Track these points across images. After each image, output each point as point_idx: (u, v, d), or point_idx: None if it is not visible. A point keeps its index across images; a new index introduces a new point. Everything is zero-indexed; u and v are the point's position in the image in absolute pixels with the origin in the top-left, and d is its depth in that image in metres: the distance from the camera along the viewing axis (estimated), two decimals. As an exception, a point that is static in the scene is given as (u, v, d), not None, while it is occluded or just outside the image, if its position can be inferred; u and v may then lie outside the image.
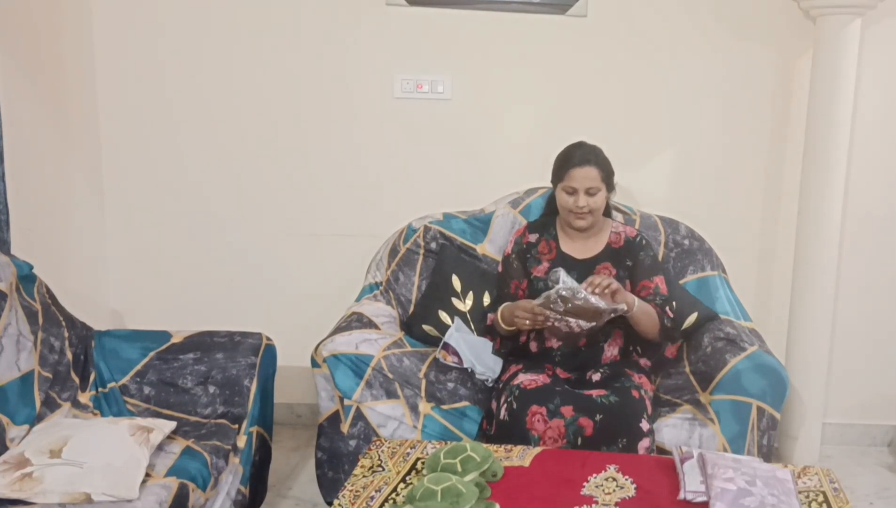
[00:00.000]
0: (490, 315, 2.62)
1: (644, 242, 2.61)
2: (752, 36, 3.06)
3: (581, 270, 2.55)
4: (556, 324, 2.36)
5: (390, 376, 2.46)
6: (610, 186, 2.56)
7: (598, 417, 2.24)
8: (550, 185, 2.66)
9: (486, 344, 2.67)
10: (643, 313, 2.44)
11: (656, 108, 3.14)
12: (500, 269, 2.73)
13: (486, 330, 2.68)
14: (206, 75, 3.16)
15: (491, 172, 3.17)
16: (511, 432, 2.27)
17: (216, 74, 3.16)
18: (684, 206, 3.11)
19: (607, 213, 2.67)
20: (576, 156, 2.52)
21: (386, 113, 3.16)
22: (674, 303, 2.61)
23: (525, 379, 2.37)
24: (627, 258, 2.57)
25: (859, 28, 2.80)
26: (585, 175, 2.49)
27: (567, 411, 2.25)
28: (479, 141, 3.18)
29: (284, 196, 3.24)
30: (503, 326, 2.54)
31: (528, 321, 2.39)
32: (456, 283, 2.82)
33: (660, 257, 2.79)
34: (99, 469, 1.96)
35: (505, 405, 2.32)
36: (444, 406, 2.47)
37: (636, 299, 2.43)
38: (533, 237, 2.65)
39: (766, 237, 3.22)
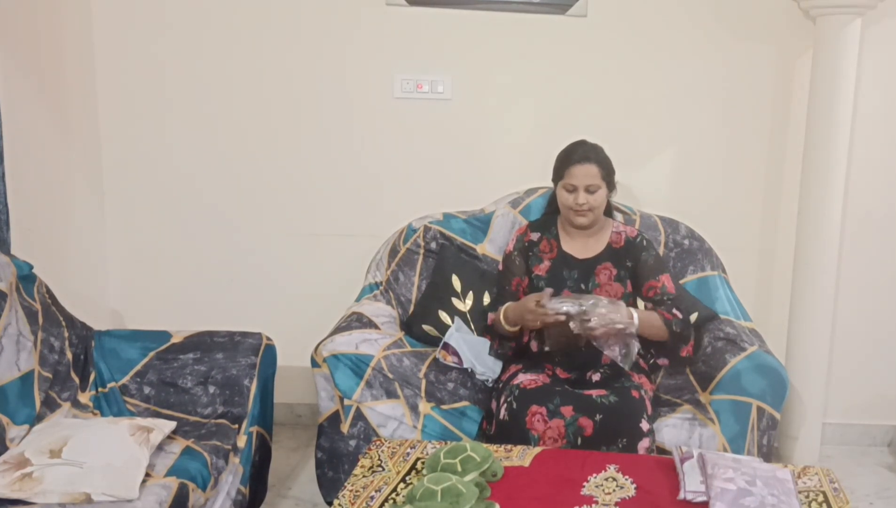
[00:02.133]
0: (491, 315, 2.62)
1: (645, 242, 2.61)
2: (752, 36, 3.06)
3: (581, 269, 2.56)
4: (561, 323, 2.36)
5: (390, 376, 2.46)
6: (611, 185, 2.56)
7: (598, 417, 2.24)
8: (551, 185, 2.66)
9: (486, 344, 2.67)
10: (648, 325, 2.44)
11: (656, 108, 3.14)
12: (500, 267, 2.72)
13: (486, 329, 2.68)
14: (206, 75, 3.16)
15: (491, 172, 3.17)
16: (511, 432, 2.27)
17: (216, 74, 3.16)
18: (684, 206, 3.10)
19: (609, 213, 2.67)
20: (576, 153, 2.52)
21: (386, 113, 3.16)
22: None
23: (525, 379, 2.37)
24: (628, 259, 2.57)
25: (859, 28, 2.79)
26: (586, 172, 2.49)
27: (567, 411, 2.25)
28: (479, 141, 3.18)
29: (284, 196, 3.24)
30: (506, 326, 2.53)
31: (536, 319, 2.37)
32: (456, 283, 2.82)
33: (660, 257, 2.79)
34: (99, 469, 1.96)
35: (505, 405, 2.32)
36: (444, 406, 2.47)
37: (636, 315, 2.41)
38: (535, 236, 2.65)
39: (766, 237, 3.22)
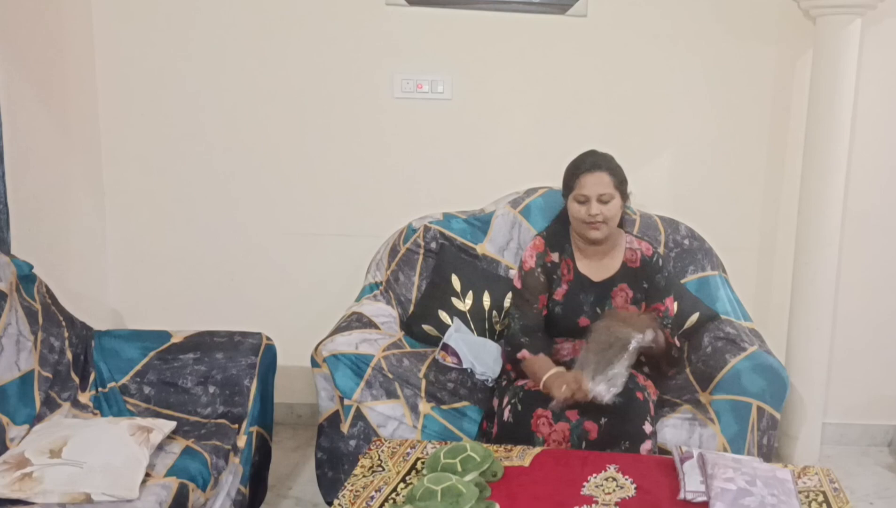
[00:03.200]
0: (525, 353, 2.39)
1: (661, 262, 2.50)
2: (752, 36, 3.06)
3: (598, 292, 2.46)
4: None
5: (390, 376, 2.46)
6: (624, 195, 2.40)
7: (602, 420, 2.23)
8: (551, 184, 2.65)
9: (485, 344, 2.67)
10: (659, 347, 2.43)
11: (656, 108, 3.14)
12: (518, 285, 2.49)
13: (510, 359, 2.50)
14: (206, 76, 3.16)
15: (491, 172, 3.17)
16: (516, 434, 2.26)
17: (216, 74, 3.16)
18: (684, 206, 3.11)
19: (621, 224, 2.52)
20: (586, 162, 2.39)
21: (386, 113, 3.16)
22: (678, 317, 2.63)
23: (529, 381, 2.37)
24: (644, 280, 2.46)
25: (859, 28, 2.80)
26: (597, 181, 2.35)
27: (572, 414, 2.24)
28: (479, 141, 3.18)
29: (284, 196, 3.24)
30: (539, 375, 2.32)
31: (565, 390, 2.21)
32: (456, 283, 2.82)
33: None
34: (99, 469, 1.96)
35: (509, 407, 2.31)
36: (444, 406, 2.47)
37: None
38: (555, 256, 2.48)
39: (766, 237, 3.22)
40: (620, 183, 2.39)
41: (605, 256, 2.48)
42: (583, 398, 2.19)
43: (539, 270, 2.47)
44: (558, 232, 2.54)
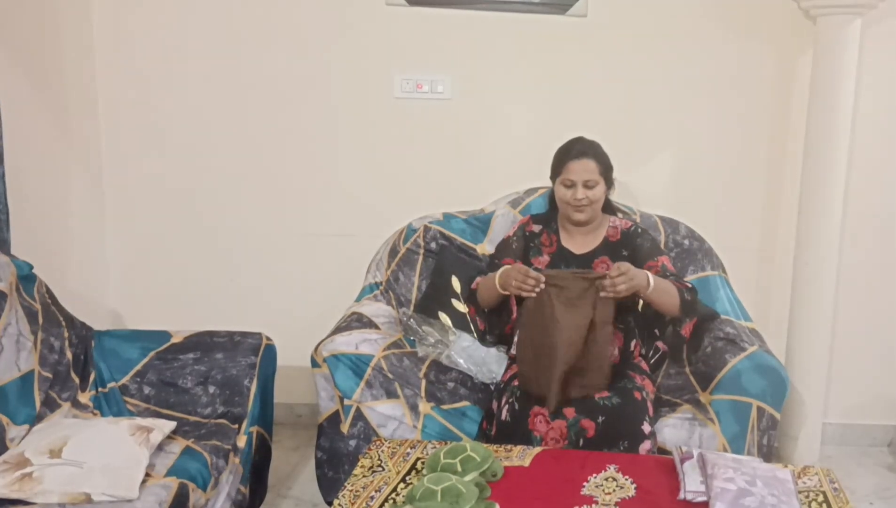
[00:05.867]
0: (478, 278, 2.60)
1: (640, 229, 2.60)
2: (752, 36, 3.06)
3: (579, 264, 2.56)
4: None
5: (390, 376, 2.46)
6: (609, 181, 2.56)
7: (600, 419, 2.24)
8: (550, 184, 2.66)
9: (489, 353, 2.66)
10: (661, 290, 2.37)
11: (656, 107, 3.14)
12: (493, 251, 2.71)
13: (469, 297, 2.64)
14: (206, 76, 3.16)
15: (491, 172, 3.17)
16: (513, 432, 2.27)
17: (215, 74, 3.16)
18: (684, 206, 3.10)
19: (609, 210, 2.67)
20: (574, 149, 2.52)
21: (386, 113, 3.16)
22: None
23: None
24: (624, 249, 2.56)
25: (859, 28, 2.80)
26: (583, 168, 2.49)
27: (569, 412, 2.25)
28: (479, 141, 3.18)
29: (284, 196, 3.24)
30: (498, 288, 2.44)
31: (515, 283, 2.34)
32: (456, 284, 2.81)
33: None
34: (99, 469, 1.96)
35: (507, 406, 2.32)
36: (444, 406, 2.47)
37: (651, 277, 2.35)
38: (536, 228, 2.65)
39: (766, 237, 3.22)
40: (605, 170, 2.54)
41: (588, 234, 2.61)
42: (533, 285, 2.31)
43: (515, 239, 2.66)
44: (547, 212, 2.74)
